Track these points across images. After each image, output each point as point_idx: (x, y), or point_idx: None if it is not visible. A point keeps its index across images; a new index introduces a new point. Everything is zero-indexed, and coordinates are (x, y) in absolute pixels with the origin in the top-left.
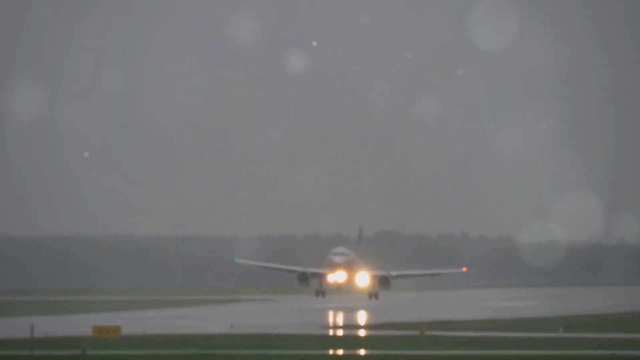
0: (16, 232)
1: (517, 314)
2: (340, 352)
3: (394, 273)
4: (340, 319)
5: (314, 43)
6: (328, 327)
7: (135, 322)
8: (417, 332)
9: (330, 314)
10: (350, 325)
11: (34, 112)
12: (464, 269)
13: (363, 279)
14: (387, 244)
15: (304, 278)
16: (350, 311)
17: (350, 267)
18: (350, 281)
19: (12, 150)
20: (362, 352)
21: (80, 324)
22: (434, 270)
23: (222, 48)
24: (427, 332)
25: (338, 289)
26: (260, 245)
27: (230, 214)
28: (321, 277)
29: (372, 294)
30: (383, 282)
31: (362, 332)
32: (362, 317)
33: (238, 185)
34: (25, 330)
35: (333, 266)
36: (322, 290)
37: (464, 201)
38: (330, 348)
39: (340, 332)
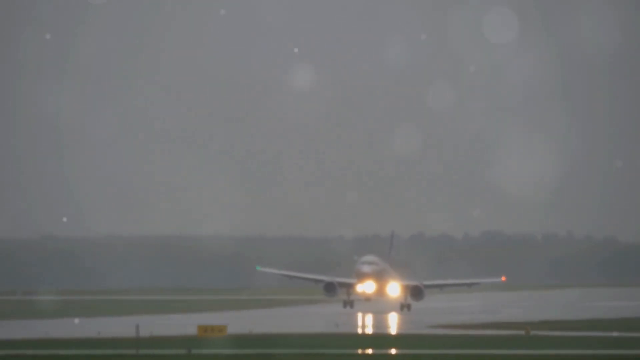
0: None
1: (624, 313)
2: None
3: (427, 283)
4: (443, 318)
5: (295, 50)
6: (436, 327)
7: (240, 322)
8: (522, 332)
9: (434, 313)
10: (455, 325)
11: (37, 111)
12: (503, 278)
13: (394, 289)
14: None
15: (330, 288)
16: (448, 310)
17: (380, 277)
18: (380, 291)
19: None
20: (470, 351)
21: (185, 323)
22: (470, 280)
23: (224, 48)
24: (533, 332)
25: (367, 299)
26: (290, 247)
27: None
28: (349, 287)
29: (404, 305)
30: (415, 292)
31: (467, 332)
32: (464, 317)
33: (262, 182)
34: (131, 330)
35: (361, 276)
36: (350, 301)
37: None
38: (441, 347)
39: (448, 332)
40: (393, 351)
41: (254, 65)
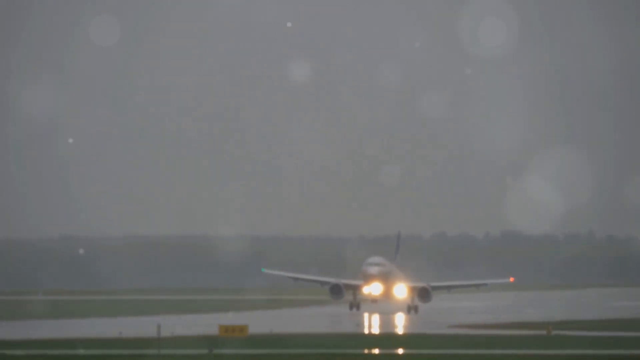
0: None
1: None
2: (471, 351)
3: (434, 284)
4: (464, 319)
5: (289, 24)
6: (458, 327)
7: (261, 321)
8: (544, 332)
9: (458, 314)
10: (477, 325)
11: (36, 111)
12: (511, 279)
13: (401, 290)
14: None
15: (337, 290)
16: (471, 310)
17: (386, 278)
18: (386, 293)
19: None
20: (492, 351)
21: (206, 323)
22: (478, 281)
23: (225, 47)
24: (554, 332)
25: (373, 301)
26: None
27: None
28: (355, 289)
29: (412, 307)
30: (423, 294)
31: (488, 332)
32: (486, 316)
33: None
34: (152, 330)
35: (368, 278)
36: (356, 303)
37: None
38: (463, 347)
39: (469, 332)
40: (421, 351)
41: (257, 65)
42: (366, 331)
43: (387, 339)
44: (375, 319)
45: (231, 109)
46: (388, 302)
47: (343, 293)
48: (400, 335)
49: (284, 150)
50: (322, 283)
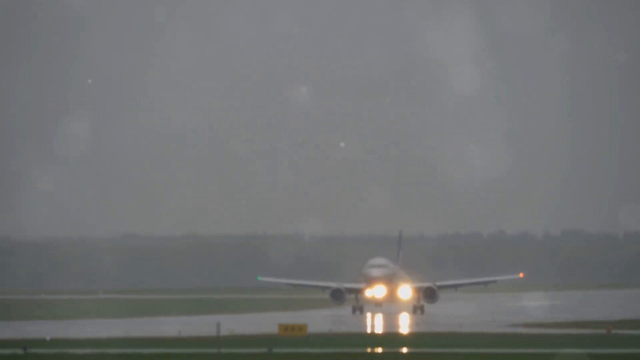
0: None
1: None
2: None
3: (440, 283)
4: (523, 318)
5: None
6: (516, 325)
7: (320, 321)
8: (603, 331)
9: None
10: (535, 324)
11: (36, 111)
12: (521, 275)
13: (405, 292)
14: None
15: (338, 295)
16: (534, 309)
17: (390, 280)
18: (390, 295)
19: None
20: (551, 350)
21: (266, 322)
22: (487, 278)
23: (229, 48)
24: (614, 331)
25: (377, 305)
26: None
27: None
28: (358, 292)
29: (417, 308)
30: (428, 294)
31: (549, 331)
32: (545, 315)
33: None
34: (212, 328)
35: (370, 280)
36: (359, 306)
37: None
38: (521, 346)
39: (530, 331)
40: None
41: (257, 64)
42: (422, 330)
43: (448, 337)
44: (425, 318)
45: (231, 108)
46: (393, 304)
47: (344, 297)
48: (459, 334)
49: (285, 150)
50: (323, 288)
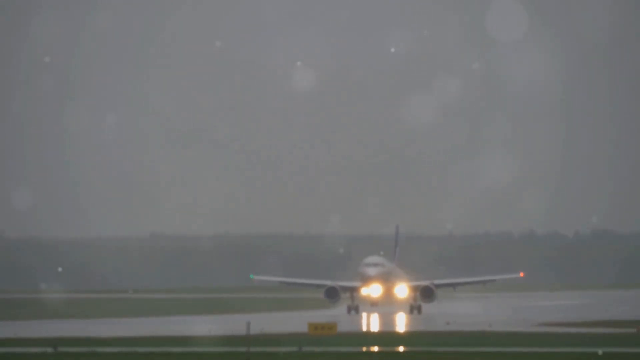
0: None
1: None
2: (561, 349)
3: (437, 282)
4: (551, 316)
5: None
6: (544, 325)
7: (350, 320)
8: (634, 330)
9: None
10: (566, 323)
11: (40, 113)
12: (521, 274)
13: (402, 290)
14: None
15: (332, 294)
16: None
17: (386, 279)
18: (387, 294)
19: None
20: (581, 349)
21: (296, 321)
22: (486, 277)
23: (226, 46)
24: None
25: (373, 304)
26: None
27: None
28: (353, 291)
29: (414, 307)
30: (426, 293)
31: (577, 330)
32: (576, 314)
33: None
34: (241, 327)
35: (366, 279)
36: (354, 306)
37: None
38: (551, 345)
39: (559, 330)
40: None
41: (254, 63)
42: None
43: (479, 337)
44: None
45: (231, 108)
46: (389, 303)
47: (339, 297)
48: (491, 332)
49: (283, 150)
50: (317, 286)
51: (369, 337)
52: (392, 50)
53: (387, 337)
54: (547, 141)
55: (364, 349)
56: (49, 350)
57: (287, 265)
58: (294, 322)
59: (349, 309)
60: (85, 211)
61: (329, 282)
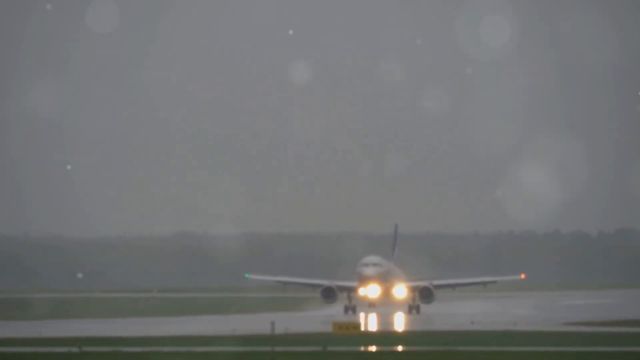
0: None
1: None
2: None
3: (437, 282)
4: (578, 316)
5: (290, 32)
6: (573, 324)
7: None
8: None
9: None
10: (593, 322)
11: (39, 112)
12: (522, 276)
13: (400, 291)
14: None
15: (329, 293)
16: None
17: (384, 279)
18: (385, 295)
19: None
20: (610, 348)
21: (319, 321)
22: (486, 278)
23: (227, 46)
24: None
25: (371, 304)
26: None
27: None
28: (350, 291)
29: (413, 307)
30: (424, 294)
31: (604, 329)
32: (603, 314)
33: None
34: (266, 327)
35: (364, 279)
36: (352, 306)
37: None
38: (579, 345)
39: (586, 329)
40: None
41: (256, 62)
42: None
43: (504, 336)
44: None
45: (231, 108)
46: (387, 303)
47: (336, 297)
48: (514, 332)
49: (284, 150)
50: (314, 286)
51: (392, 337)
52: (418, 42)
53: (408, 336)
54: (570, 140)
55: (380, 348)
56: (74, 350)
57: (305, 265)
58: (320, 321)
59: (346, 309)
60: (109, 211)
61: (325, 282)
